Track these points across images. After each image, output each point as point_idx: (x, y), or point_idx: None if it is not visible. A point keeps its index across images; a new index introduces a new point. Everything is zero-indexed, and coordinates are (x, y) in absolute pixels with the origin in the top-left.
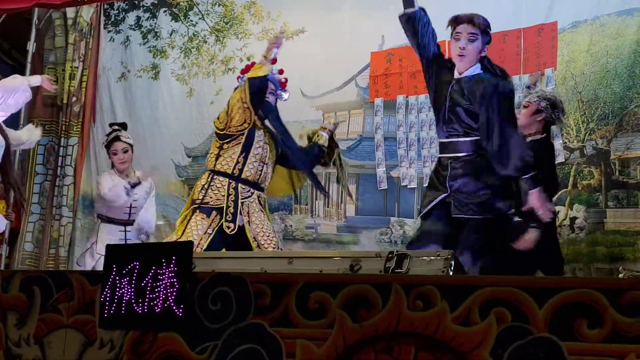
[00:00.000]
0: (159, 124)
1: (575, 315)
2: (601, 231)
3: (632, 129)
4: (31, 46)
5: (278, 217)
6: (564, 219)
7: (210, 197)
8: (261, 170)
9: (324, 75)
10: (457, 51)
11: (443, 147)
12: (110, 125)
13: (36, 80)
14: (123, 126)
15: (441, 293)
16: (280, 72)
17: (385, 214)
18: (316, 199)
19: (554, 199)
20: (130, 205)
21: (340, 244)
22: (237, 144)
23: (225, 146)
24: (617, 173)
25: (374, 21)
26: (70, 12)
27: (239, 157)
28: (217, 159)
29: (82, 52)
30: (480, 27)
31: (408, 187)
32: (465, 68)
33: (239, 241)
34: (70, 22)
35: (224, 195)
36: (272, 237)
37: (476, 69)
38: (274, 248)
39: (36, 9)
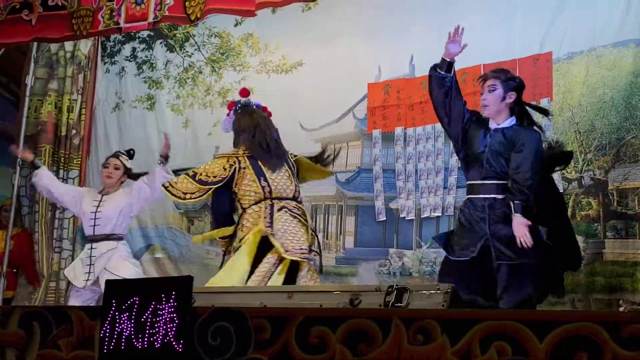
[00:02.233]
0: (154, 155)
1: (576, 348)
2: (600, 262)
3: (629, 159)
4: (29, 80)
5: None
6: None
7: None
8: (286, 184)
9: (322, 108)
10: (482, 103)
11: (474, 189)
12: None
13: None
14: (129, 153)
15: (441, 327)
16: (264, 108)
17: (384, 246)
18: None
19: None
20: (95, 217)
21: (338, 276)
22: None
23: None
24: (615, 204)
25: (371, 53)
26: (68, 45)
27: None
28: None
29: (81, 85)
30: (500, 77)
31: (406, 218)
32: (493, 116)
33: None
34: (68, 55)
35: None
36: (302, 240)
37: (512, 121)
38: (301, 249)
39: (34, 43)
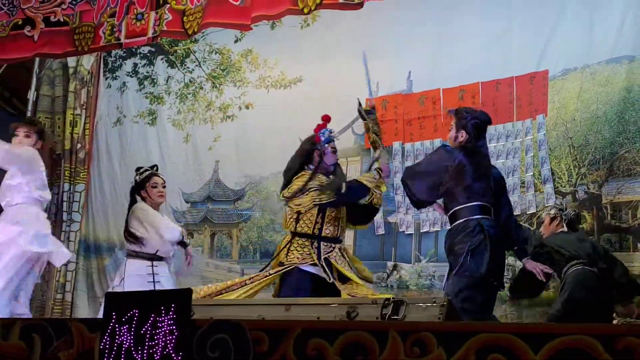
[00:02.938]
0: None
1: None
2: None
3: (622, 173)
4: (32, 95)
5: None
6: None
7: (294, 257)
8: (337, 226)
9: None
10: None
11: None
12: (138, 168)
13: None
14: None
15: (437, 339)
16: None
17: (382, 259)
18: None
19: None
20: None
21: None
22: (313, 206)
23: (303, 210)
24: (609, 217)
25: (369, 68)
26: (71, 61)
27: (317, 218)
28: (297, 222)
29: (84, 100)
30: (455, 117)
31: (406, 233)
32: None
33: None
34: (71, 70)
35: (308, 254)
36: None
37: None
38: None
39: (37, 59)
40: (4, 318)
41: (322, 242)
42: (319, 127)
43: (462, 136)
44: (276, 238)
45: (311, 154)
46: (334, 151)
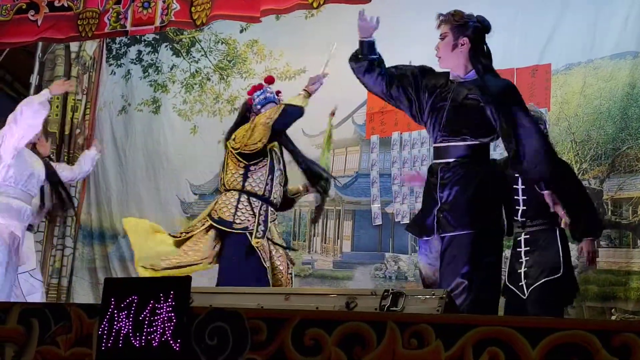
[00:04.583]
0: (161, 159)
1: (568, 356)
2: (593, 270)
3: (624, 170)
4: (34, 79)
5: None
6: None
7: (241, 219)
8: (280, 193)
9: (323, 114)
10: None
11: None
12: None
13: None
14: None
15: (436, 332)
16: (278, 92)
17: (380, 250)
18: (314, 236)
19: None
20: None
21: (335, 280)
22: (264, 166)
23: (252, 167)
24: (609, 213)
25: None
26: (73, 46)
27: (267, 178)
28: (245, 179)
29: (85, 85)
30: (449, 21)
31: (401, 222)
32: (447, 67)
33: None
34: (73, 55)
35: (253, 216)
36: (285, 259)
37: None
38: (288, 270)
39: (40, 43)
40: (2, 302)
41: (269, 208)
42: (253, 89)
43: (463, 44)
44: (282, 230)
45: (245, 117)
46: None
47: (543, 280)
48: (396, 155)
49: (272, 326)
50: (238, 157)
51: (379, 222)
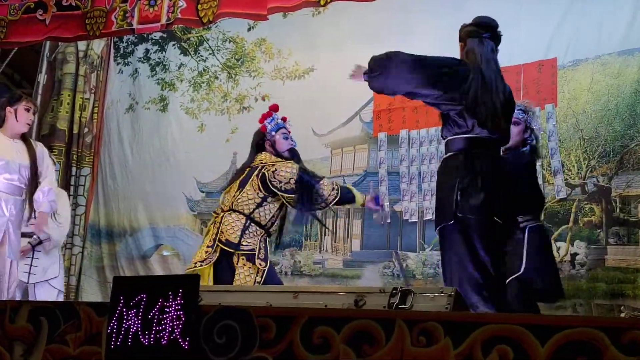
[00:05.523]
0: (168, 157)
1: (577, 353)
2: (602, 267)
3: (632, 167)
4: (42, 78)
5: (288, 253)
6: (565, 255)
7: (251, 244)
8: (278, 224)
9: (332, 113)
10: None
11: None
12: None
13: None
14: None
15: (444, 329)
16: (284, 119)
17: (388, 248)
18: (325, 235)
19: (555, 235)
20: None
21: (344, 278)
22: (279, 201)
23: (269, 199)
24: (618, 210)
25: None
26: (81, 45)
27: (275, 212)
28: (257, 207)
29: (93, 84)
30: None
31: (409, 221)
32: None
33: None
34: (81, 54)
35: (255, 243)
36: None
37: None
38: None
39: (47, 42)
40: (11, 300)
41: (267, 240)
42: (264, 117)
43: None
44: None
45: (261, 145)
46: (286, 137)
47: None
48: (404, 153)
49: (281, 324)
50: (264, 187)
51: (387, 220)
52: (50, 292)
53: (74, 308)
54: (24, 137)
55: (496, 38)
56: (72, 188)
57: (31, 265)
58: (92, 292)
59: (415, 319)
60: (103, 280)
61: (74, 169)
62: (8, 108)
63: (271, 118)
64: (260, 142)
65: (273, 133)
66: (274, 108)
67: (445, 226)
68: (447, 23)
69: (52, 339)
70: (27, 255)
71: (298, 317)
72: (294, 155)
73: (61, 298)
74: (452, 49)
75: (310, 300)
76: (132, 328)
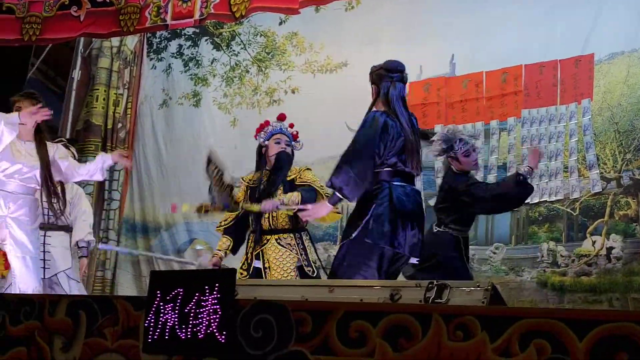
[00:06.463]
0: (201, 151)
1: (616, 348)
2: (638, 261)
3: None
4: (76, 74)
5: (322, 248)
6: (601, 249)
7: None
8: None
9: (365, 107)
10: None
11: None
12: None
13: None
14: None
15: (481, 323)
16: (291, 125)
17: None
18: None
19: (590, 228)
20: None
21: None
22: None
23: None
24: None
25: (412, 52)
26: (114, 40)
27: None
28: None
29: (127, 80)
30: None
31: None
32: None
33: None
34: (114, 50)
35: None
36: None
37: None
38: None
39: (81, 38)
40: (50, 294)
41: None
42: (257, 130)
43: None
44: (322, 223)
45: (261, 155)
46: (278, 142)
47: None
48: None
49: (317, 318)
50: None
51: None
52: (67, 283)
53: (111, 302)
54: (39, 138)
55: (404, 79)
56: (106, 183)
57: (44, 259)
58: (127, 286)
59: (452, 313)
60: (138, 274)
61: None
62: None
63: (266, 127)
64: (259, 153)
65: (266, 142)
66: (281, 117)
67: None
68: (480, 18)
69: (90, 332)
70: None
71: (334, 311)
72: (278, 159)
73: (79, 287)
74: (483, 43)
75: (346, 295)
76: (169, 322)
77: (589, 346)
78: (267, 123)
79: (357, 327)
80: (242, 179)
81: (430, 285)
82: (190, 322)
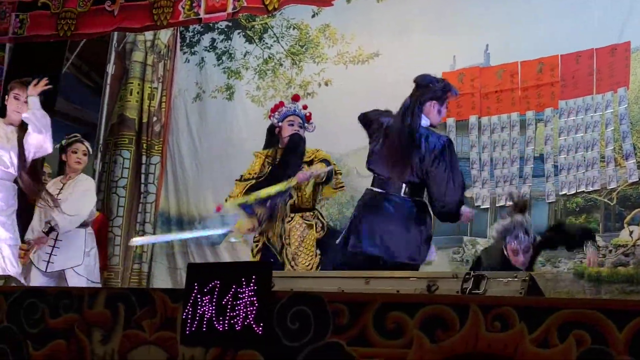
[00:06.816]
0: (234, 145)
1: None
2: None
3: None
4: (110, 68)
5: (337, 211)
6: (638, 239)
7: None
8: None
9: (398, 98)
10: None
11: None
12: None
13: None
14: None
15: (519, 314)
16: (305, 107)
17: (458, 234)
18: None
19: (628, 218)
20: None
21: None
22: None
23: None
24: None
25: (446, 42)
26: (148, 34)
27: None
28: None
29: (160, 74)
30: None
31: (482, 207)
32: None
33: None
34: (148, 44)
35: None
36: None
37: None
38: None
39: (115, 32)
40: (90, 287)
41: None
42: (272, 110)
43: None
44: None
45: (273, 135)
46: (291, 124)
47: None
48: (474, 140)
49: (354, 310)
50: None
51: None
52: (76, 279)
53: (149, 294)
54: (21, 123)
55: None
56: (142, 176)
57: (51, 254)
58: (163, 278)
59: (490, 304)
60: (173, 267)
61: (144, 158)
62: (6, 96)
63: (280, 109)
64: (272, 132)
65: (280, 123)
66: (296, 98)
67: None
68: (515, 7)
69: (128, 324)
70: (48, 244)
71: (371, 302)
72: (291, 141)
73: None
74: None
75: (382, 286)
76: (207, 314)
77: (629, 336)
78: (281, 104)
79: (394, 318)
80: (260, 153)
81: (467, 276)
82: (228, 314)
